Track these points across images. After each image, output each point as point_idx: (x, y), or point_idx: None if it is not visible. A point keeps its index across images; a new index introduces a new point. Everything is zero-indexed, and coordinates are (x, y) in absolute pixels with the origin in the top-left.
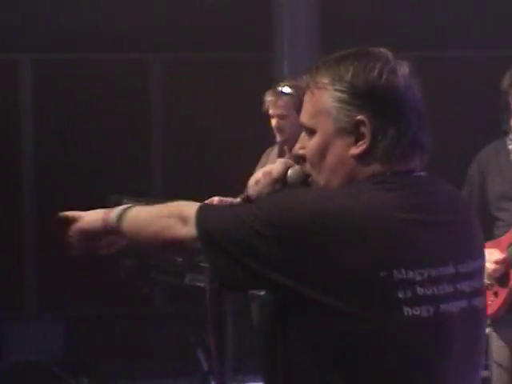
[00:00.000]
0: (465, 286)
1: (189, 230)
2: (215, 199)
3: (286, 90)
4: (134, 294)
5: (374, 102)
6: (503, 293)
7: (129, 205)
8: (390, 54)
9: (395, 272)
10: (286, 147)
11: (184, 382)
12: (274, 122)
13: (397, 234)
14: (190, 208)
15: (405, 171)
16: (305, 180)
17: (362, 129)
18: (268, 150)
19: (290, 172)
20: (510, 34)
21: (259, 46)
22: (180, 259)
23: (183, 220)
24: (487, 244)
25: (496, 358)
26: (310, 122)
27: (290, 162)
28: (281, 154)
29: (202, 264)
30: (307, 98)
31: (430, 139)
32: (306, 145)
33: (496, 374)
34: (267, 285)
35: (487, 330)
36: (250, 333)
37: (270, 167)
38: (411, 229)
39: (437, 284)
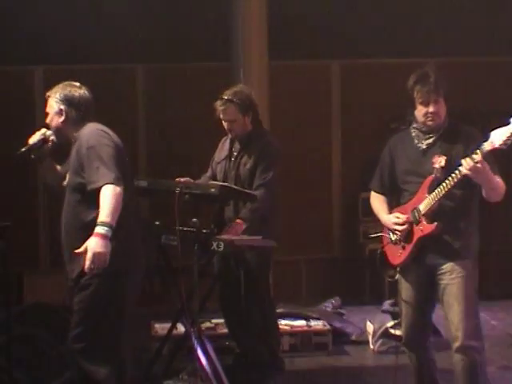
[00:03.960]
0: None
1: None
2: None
3: (231, 98)
4: None
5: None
6: (409, 247)
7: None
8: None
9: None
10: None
11: (165, 318)
12: (225, 124)
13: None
14: None
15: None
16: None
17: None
18: (223, 139)
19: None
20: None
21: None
22: (157, 223)
23: None
24: (396, 209)
25: (403, 297)
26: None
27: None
28: (232, 143)
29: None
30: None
31: None
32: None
33: (404, 308)
34: None
35: (397, 276)
36: (211, 279)
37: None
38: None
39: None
